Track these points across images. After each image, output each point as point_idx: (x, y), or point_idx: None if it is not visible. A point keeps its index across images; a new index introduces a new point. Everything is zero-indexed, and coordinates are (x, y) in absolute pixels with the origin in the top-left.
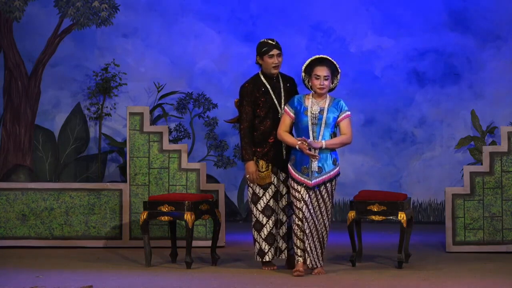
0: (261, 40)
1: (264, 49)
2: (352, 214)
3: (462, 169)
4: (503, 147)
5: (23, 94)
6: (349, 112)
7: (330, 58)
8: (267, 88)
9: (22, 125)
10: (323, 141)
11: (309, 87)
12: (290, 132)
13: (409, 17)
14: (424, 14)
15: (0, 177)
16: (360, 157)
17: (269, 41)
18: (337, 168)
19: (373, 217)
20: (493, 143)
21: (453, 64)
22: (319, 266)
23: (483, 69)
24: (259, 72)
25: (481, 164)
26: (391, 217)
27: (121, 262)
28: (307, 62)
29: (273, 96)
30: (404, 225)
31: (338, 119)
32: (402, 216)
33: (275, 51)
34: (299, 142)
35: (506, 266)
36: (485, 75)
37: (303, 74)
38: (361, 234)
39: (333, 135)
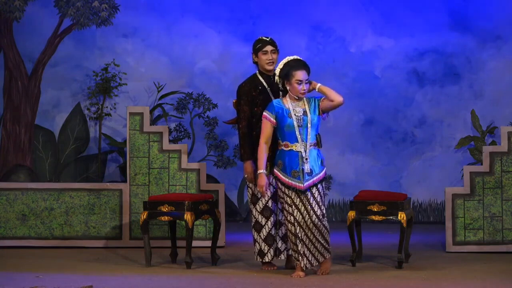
0: (256, 38)
1: (259, 45)
2: (352, 214)
3: (462, 169)
4: (503, 147)
5: (23, 94)
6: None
7: (304, 60)
8: (264, 87)
9: (22, 125)
10: (318, 84)
11: (286, 90)
12: (271, 140)
13: (409, 17)
14: (424, 14)
15: (0, 177)
16: (360, 157)
17: (264, 38)
18: (325, 169)
19: (373, 217)
20: (493, 143)
21: (453, 64)
22: (321, 260)
23: (483, 69)
24: (257, 72)
25: (481, 164)
26: (391, 217)
27: (121, 262)
28: (281, 65)
29: (271, 94)
30: (404, 225)
31: (321, 104)
32: (402, 216)
33: (269, 48)
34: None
35: (506, 266)
36: (485, 75)
37: (277, 78)
38: (361, 234)
39: (318, 136)
